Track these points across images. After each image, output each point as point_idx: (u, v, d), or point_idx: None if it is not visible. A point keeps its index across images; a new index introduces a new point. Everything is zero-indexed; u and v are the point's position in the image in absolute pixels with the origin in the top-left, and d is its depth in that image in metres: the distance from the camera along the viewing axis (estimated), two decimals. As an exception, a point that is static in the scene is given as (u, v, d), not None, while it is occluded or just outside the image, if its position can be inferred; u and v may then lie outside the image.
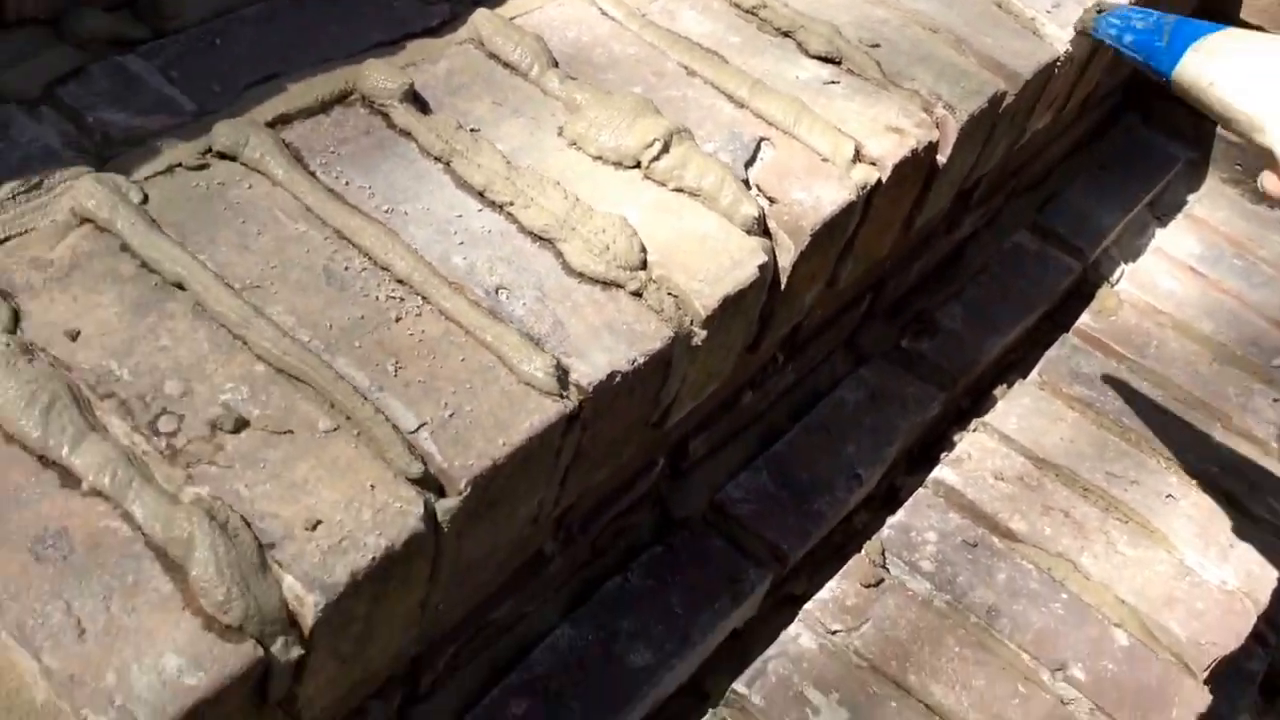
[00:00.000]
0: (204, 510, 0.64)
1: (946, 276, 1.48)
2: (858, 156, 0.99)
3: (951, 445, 1.28)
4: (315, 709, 0.71)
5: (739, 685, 1.01)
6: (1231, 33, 0.97)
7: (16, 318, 0.70)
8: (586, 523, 1.02)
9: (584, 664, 1.01)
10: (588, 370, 0.79)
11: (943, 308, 1.42)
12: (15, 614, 0.60)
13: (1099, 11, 1.08)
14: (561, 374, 0.77)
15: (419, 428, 0.73)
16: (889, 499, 1.26)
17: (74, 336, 0.71)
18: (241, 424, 0.70)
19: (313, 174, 0.84)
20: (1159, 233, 1.66)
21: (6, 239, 0.74)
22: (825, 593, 1.09)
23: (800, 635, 1.05)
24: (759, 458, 1.20)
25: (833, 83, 1.06)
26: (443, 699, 0.96)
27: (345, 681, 0.73)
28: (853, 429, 1.25)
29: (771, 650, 1.04)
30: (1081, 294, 1.53)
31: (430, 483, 0.71)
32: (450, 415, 0.74)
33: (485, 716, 0.96)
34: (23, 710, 0.57)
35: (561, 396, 0.77)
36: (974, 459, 1.23)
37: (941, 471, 1.22)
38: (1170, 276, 1.56)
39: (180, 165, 0.81)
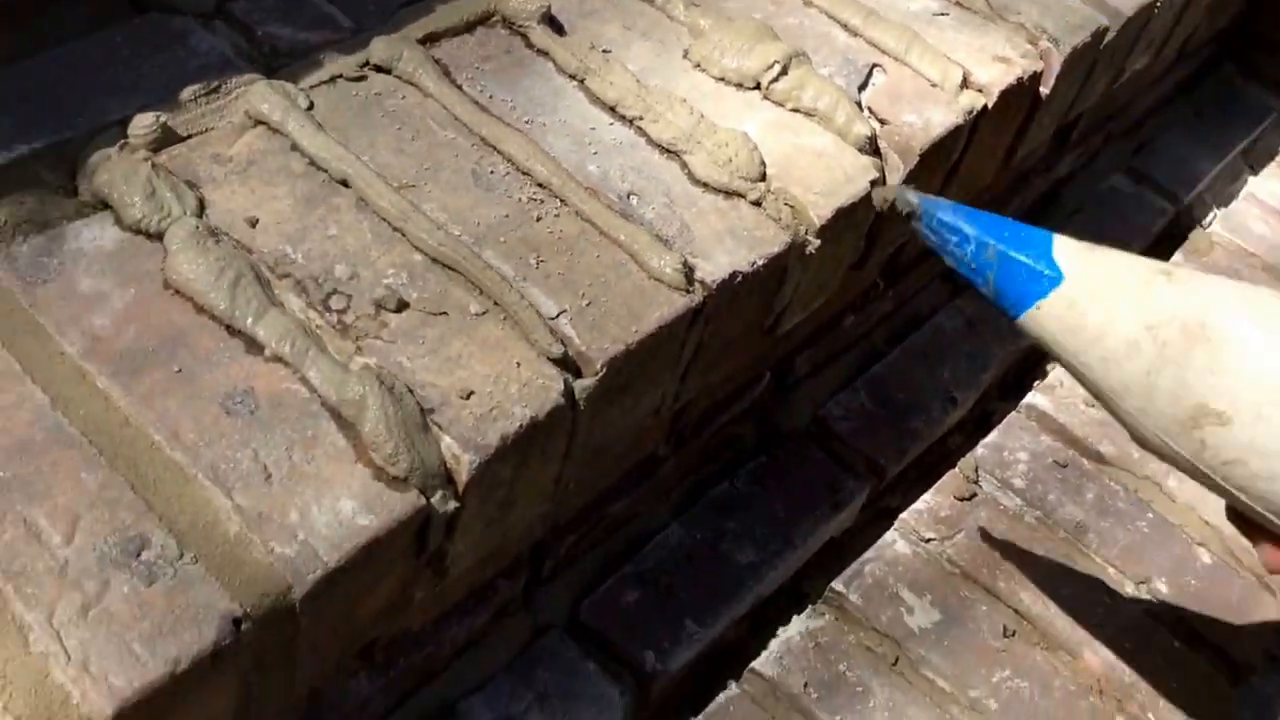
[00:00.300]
0: (375, 375, 0.71)
1: (1043, 215, 1.51)
2: (965, 83, 1.03)
3: (1044, 374, 1.33)
4: (461, 567, 0.78)
5: (837, 584, 1.07)
6: (1070, 299, 0.78)
7: (202, 205, 0.78)
8: (698, 429, 1.08)
9: (692, 560, 1.08)
10: (712, 269, 0.85)
11: (1038, 244, 1.45)
12: (209, 459, 0.67)
13: (907, 216, 0.85)
14: (688, 271, 0.83)
15: (559, 314, 0.79)
16: (982, 424, 1.31)
17: (253, 224, 0.78)
18: (402, 305, 0.77)
19: (459, 87, 0.90)
20: (1251, 180, 1.68)
21: (189, 136, 0.82)
22: (920, 504, 1.15)
23: (896, 542, 1.11)
24: (858, 379, 1.26)
25: (942, 14, 1.10)
26: (562, 585, 1.03)
27: (486, 546, 0.80)
28: (949, 354, 1.30)
29: (868, 554, 1.10)
30: (1174, 236, 1.56)
31: (569, 364, 0.78)
32: (587, 304, 0.80)
33: (600, 603, 1.03)
34: (217, 541, 0.65)
35: (688, 291, 0.83)
36: (1066, 386, 1.27)
37: (1034, 397, 1.26)
38: (1262, 221, 1.59)
39: (341, 76, 0.88)
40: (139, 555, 0.63)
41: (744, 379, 1.10)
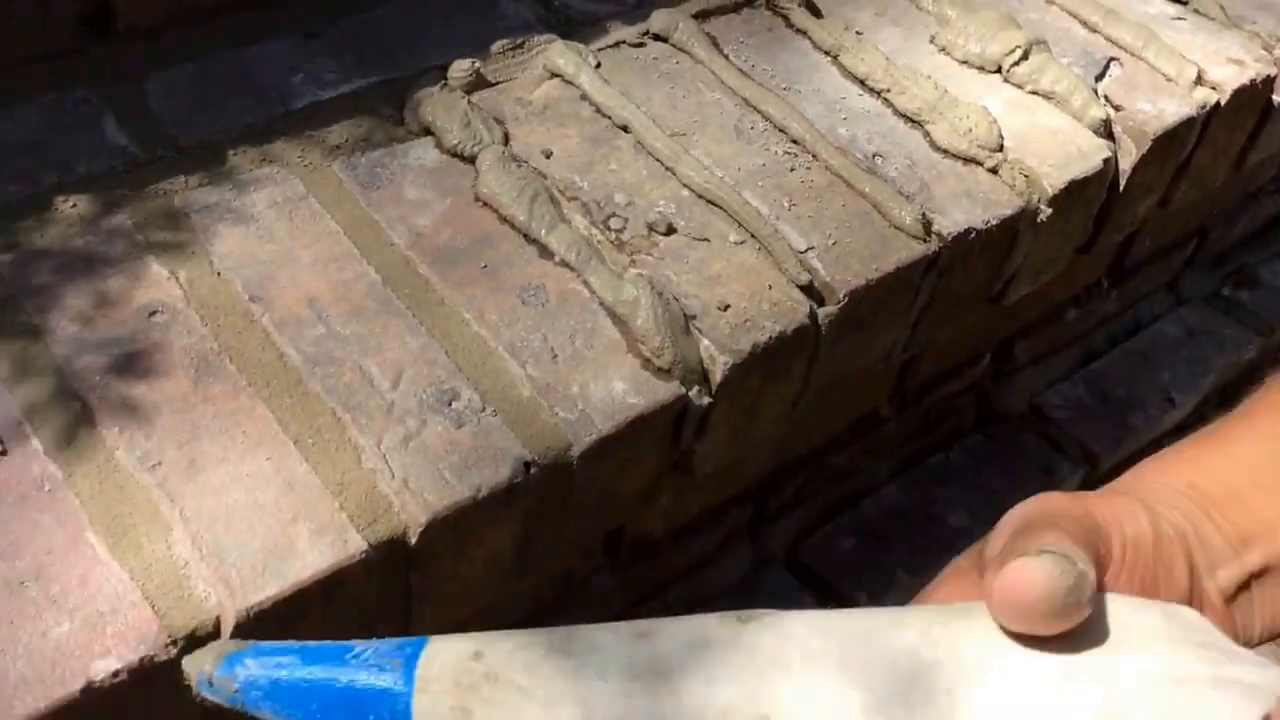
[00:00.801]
0: (647, 281, 0.82)
1: (1270, 239, 1.53)
2: (1199, 80, 1.08)
3: (1262, 383, 1.34)
4: (707, 467, 0.88)
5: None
6: None
7: (507, 138, 0.90)
8: (920, 394, 1.15)
9: (907, 517, 1.14)
10: (948, 224, 0.92)
11: (1264, 264, 1.47)
12: (508, 337, 0.78)
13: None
14: (926, 223, 0.91)
15: (808, 250, 0.88)
16: (1199, 429, 1.33)
17: (548, 155, 0.90)
18: (671, 229, 0.87)
19: (726, 56, 1.01)
20: None
21: (497, 82, 0.94)
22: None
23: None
24: (1077, 373, 1.31)
25: (1179, 19, 1.16)
26: (784, 525, 1.11)
27: (728, 456, 0.89)
28: (1169, 359, 1.34)
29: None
30: None
31: (814, 293, 0.86)
32: (833, 243, 0.89)
33: (818, 545, 1.10)
34: (512, 401, 0.76)
35: (925, 240, 0.91)
36: (1288, 395, 1.29)
37: (1254, 402, 1.28)
38: None
39: (624, 42, 1.00)
40: (450, 404, 0.74)
41: (967, 353, 1.16)
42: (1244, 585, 0.45)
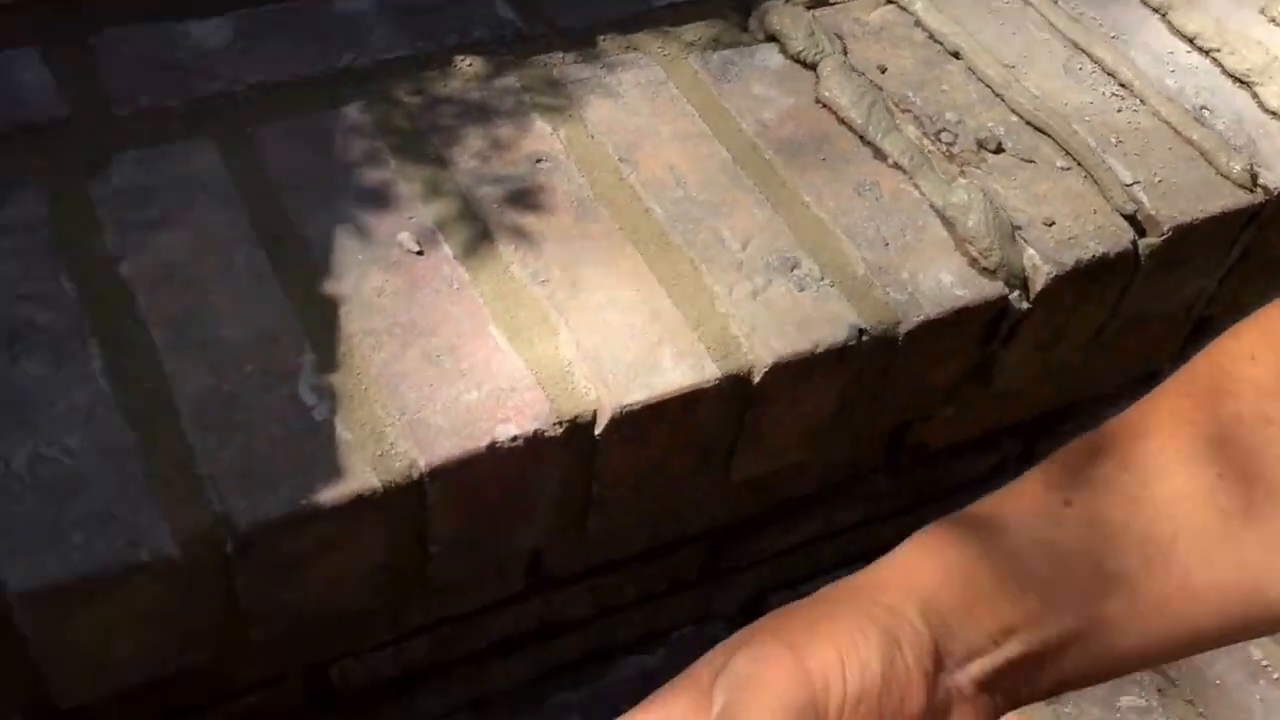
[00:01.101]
0: (979, 187, 0.86)
1: None
2: None
3: None
4: (1003, 378, 0.91)
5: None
6: None
7: (845, 51, 0.95)
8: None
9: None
10: (1275, 179, 0.94)
11: None
12: (845, 222, 0.84)
13: None
14: (1253, 175, 0.93)
15: (1133, 183, 0.91)
16: None
17: (882, 70, 0.95)
18: (999, 148, 0.91)
19: (1055, 2, 1.04)
20: None
21: (836, 3, 1.00)
22: None
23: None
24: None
25: None
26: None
27: (1026, 374, 0.93)
28: None
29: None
30: None
31: (1137, 224, 0.89)
32: (1158, 180, 0.91)
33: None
34: (848, 276, 0.80)
35: (1251, 191, 0.92)
36: None
37: None
38: None
39: (957, -20, 1.04)
40: (792, 270, 0.80)
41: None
42: (1003, 671, 0.45)
